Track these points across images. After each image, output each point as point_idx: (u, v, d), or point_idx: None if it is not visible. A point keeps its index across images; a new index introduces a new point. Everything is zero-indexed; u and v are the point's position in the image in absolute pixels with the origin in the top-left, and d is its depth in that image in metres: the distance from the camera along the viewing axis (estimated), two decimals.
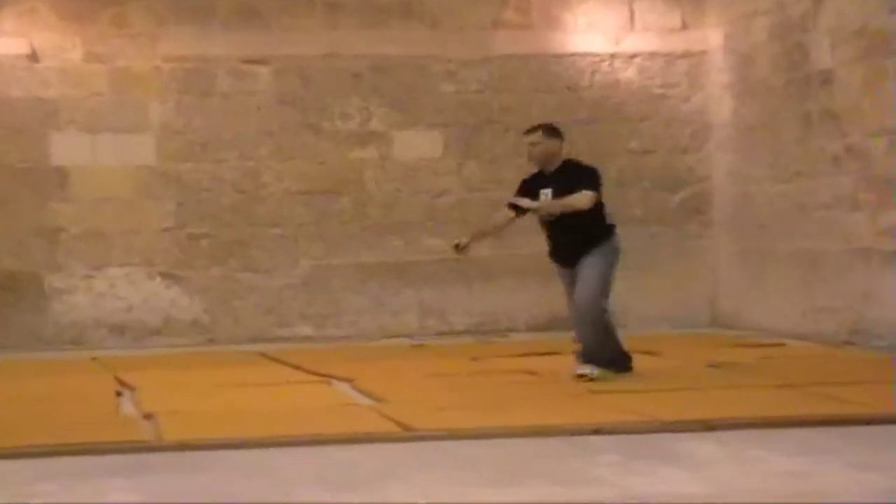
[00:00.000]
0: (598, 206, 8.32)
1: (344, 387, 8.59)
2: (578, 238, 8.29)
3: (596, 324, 8.30)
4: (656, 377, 8.62)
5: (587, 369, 8.27)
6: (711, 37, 12.47)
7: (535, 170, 8.56)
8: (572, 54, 12.43)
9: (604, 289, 8.30)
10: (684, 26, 12.56)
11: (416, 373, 9.13)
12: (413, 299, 12.29)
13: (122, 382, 8.83)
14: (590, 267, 8.26)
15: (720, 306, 12.42)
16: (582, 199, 8.20)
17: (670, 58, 12.54)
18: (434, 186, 12.31)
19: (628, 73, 12.50)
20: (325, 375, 9.05)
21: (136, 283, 11.94)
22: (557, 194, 8.28)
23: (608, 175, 12.39)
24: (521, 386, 8.35)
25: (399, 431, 6.65)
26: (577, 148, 12.36)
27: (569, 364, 8.59)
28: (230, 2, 12.03)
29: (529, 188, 8.50)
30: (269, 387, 8.61)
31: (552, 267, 8.63)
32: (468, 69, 12.31)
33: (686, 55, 12.55)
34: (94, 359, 10.59)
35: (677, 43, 12.53)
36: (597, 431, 6.52)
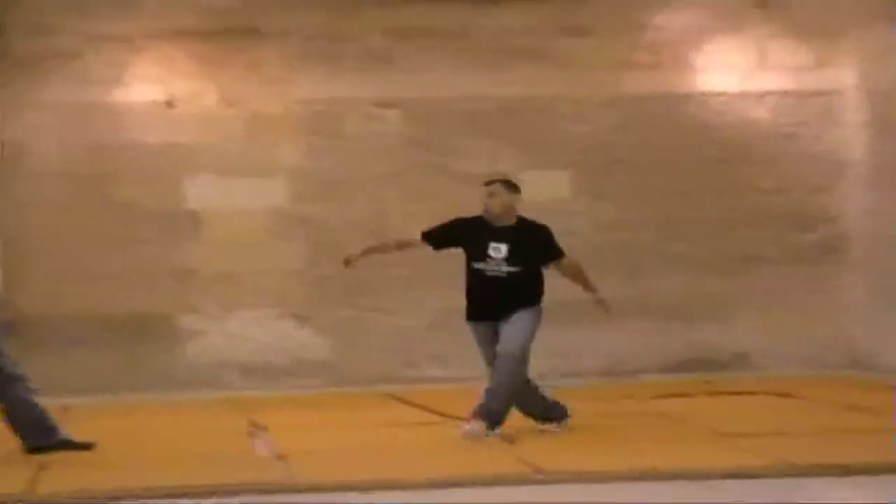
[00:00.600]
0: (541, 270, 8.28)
1: None
2: (516, 294, 8.23)
3: (516, 373, 8.16)
4: (790, 419, 8.49)
5: (475, 426, 7.97)
6: (846, 74, 12.25)
7: (481, 216, 8.43)
8: (703, 93, 12.32)
9: (528, 344, 8.24)
10: (818, 64, 12.37)
11: None
12: (539, 340, 12.18)
13: (254, 423, 8.92)
14: (518, 322, 8.21)
15: (857, 347, 12.16)
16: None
17: (802, 96, 12.35)
18: (563, 227, 12.11)
19: (760, 112, 12.35)
20: (454, 416, 9.05)
21: (268, 324, 12.04)
22: (513, 252, 8.19)
23: (740, 214, 12.41)
24: (651, 428, 8.27)
25: (531, 473, 6.63)
26: (708, 188, 12.33)
27: (698, 406, 8.47)
28: (359, 46, 12.13)
29: (469, 235, 8.37)
30: (400, 427, 8.63)
31: (470, 328, 8.52)
32: (597, 110, 12.24)
33: (819, 93, 12.34)
34: (226, 399, 10.71)
35: (810, 81, 12.33)
36: (729, 475, 6.44)
